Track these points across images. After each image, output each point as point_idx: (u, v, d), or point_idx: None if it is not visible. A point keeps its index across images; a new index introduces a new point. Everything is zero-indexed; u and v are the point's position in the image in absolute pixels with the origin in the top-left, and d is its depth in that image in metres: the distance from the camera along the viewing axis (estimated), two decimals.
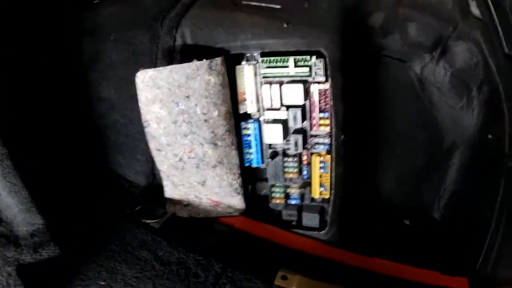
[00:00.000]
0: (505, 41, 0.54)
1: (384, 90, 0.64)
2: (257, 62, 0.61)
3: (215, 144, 0.61)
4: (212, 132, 0.60)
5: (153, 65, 0.62)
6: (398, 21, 0.60)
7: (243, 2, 0.61)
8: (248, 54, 0.61)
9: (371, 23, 0.61)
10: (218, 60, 0.58)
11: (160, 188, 0.67)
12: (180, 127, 0.59)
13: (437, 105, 0.63)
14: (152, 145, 0.62)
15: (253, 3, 0.61)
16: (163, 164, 0.64)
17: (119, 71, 0.66)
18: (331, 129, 0.60)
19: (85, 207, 0.65)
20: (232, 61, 0.61)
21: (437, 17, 0.59)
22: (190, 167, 0.62)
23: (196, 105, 0.58)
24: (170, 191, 0.67)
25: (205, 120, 0.59)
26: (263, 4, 0.61)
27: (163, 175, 0.66)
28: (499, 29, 0.54)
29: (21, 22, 0.65)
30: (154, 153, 0.63)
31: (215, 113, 0.59)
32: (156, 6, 0.65)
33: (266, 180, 0.67)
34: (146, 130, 0.61)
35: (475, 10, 0.58)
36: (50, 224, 0.57)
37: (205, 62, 0.57)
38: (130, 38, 0.65)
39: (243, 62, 0.62)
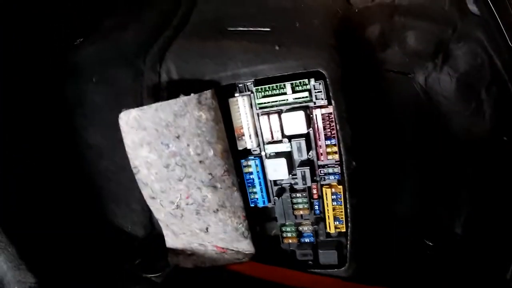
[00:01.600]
0: (508, 34, 0.53)
1: (390, 107, 0.60)
2: (252, 92, 0.56)
3: (214, 187, 0.55)
4: (210, 173, 0.54)
5: (139, 105, 0.56)
6: (395, 31, 0.58)
7: (229, 29, 0.57)
8: (240, 85, 0.56)
9: (368, 37, 0.58)
10: (208, 93, 0.53)
11: (160, 238, 0.62)
12: (173, 171, 0.54)
13: (446, 115, 0.59)
14: (145, 193, 0.57)
15: (240, 29, 0.56)
16: (160, 212, 0.58)
17: (104, 115, 0.60)
18: (340, 156, 0.55)
19: (81, 263, 0.60)
20: (224, 94, 0.56)
21: (435, 20, 0.57)
22: (190, 214, 0.57)
23: (188, 145, 0.53)
24: (171, 241, 0.61)
25: (200, 161, 0.54)
26: (251, 28, 0.56)
27: (161, 224, 0.60)
28: (501, 23, 0.52)
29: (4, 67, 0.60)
30: (149, 201, 0.57)
31: (211, 153, 0.54)
32: (138, 41, 0.60)
33: (275, 219, 0.61)
34: (137, 177, 0.56)
35: (472, 7, 0.56)
36: (43, 282, 0.54)
37: (193, 96, 0.52)
38: (112, 78, 0.60)
39: (236, 94, 0.56)
